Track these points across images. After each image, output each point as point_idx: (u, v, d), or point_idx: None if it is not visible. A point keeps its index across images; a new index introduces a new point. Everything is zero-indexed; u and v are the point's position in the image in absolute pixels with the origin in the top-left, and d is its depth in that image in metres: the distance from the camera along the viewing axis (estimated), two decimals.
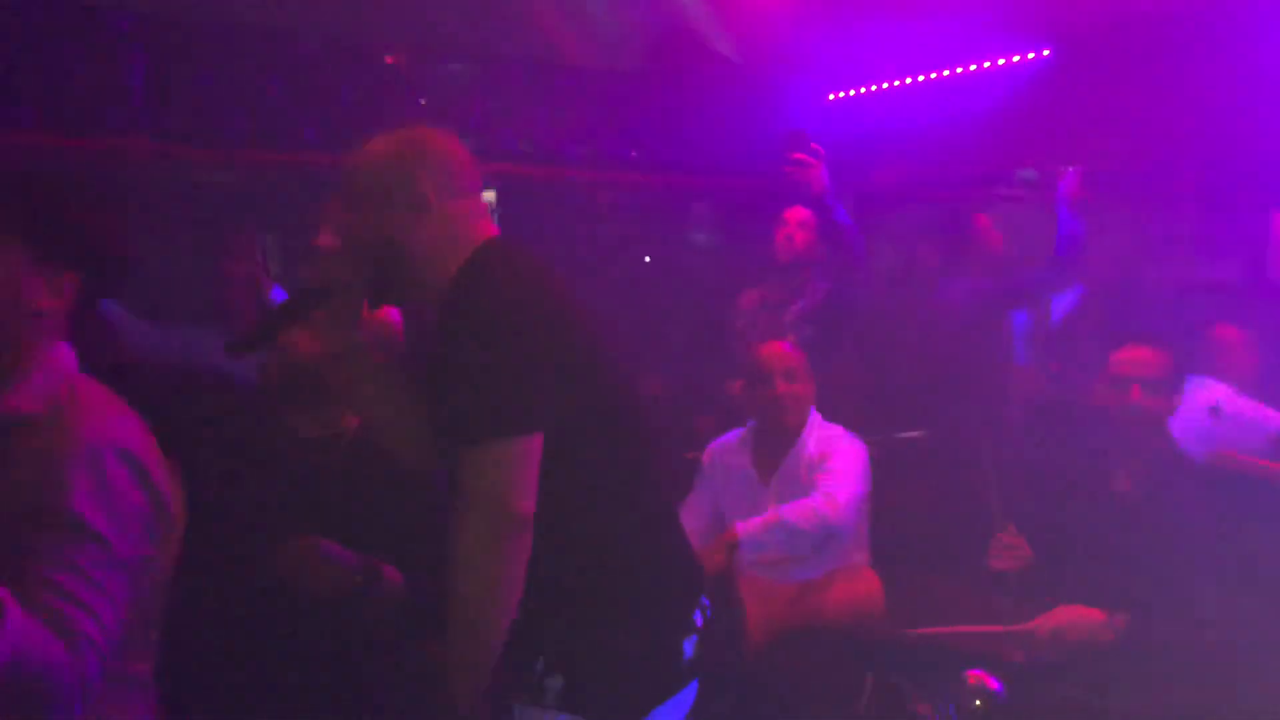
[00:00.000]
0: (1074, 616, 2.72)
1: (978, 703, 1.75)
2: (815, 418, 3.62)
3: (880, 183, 4.73)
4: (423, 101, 4.71)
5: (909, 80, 4.76)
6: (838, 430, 3.59)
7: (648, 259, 5.21)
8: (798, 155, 3.98)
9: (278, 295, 3.86)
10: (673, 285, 5.08)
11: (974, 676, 1.77)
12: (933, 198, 4.77)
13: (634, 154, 5.00)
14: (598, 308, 1.92)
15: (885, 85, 4.86)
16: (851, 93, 5.00)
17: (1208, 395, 3.91)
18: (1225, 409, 3.71)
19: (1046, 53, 4.27)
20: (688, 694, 1.85)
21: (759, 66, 4.79)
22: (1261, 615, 2.43)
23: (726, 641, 3.18)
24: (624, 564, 1.80)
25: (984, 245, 4.76)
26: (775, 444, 3.60)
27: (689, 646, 1.86)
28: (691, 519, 3.47)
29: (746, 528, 3.26)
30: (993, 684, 1.76)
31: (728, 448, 3.72)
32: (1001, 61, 4.39)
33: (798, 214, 4.26)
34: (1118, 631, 2.63)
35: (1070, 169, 4.52)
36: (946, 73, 4.60)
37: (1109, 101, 4.04)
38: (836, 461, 3.43)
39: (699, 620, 1.91)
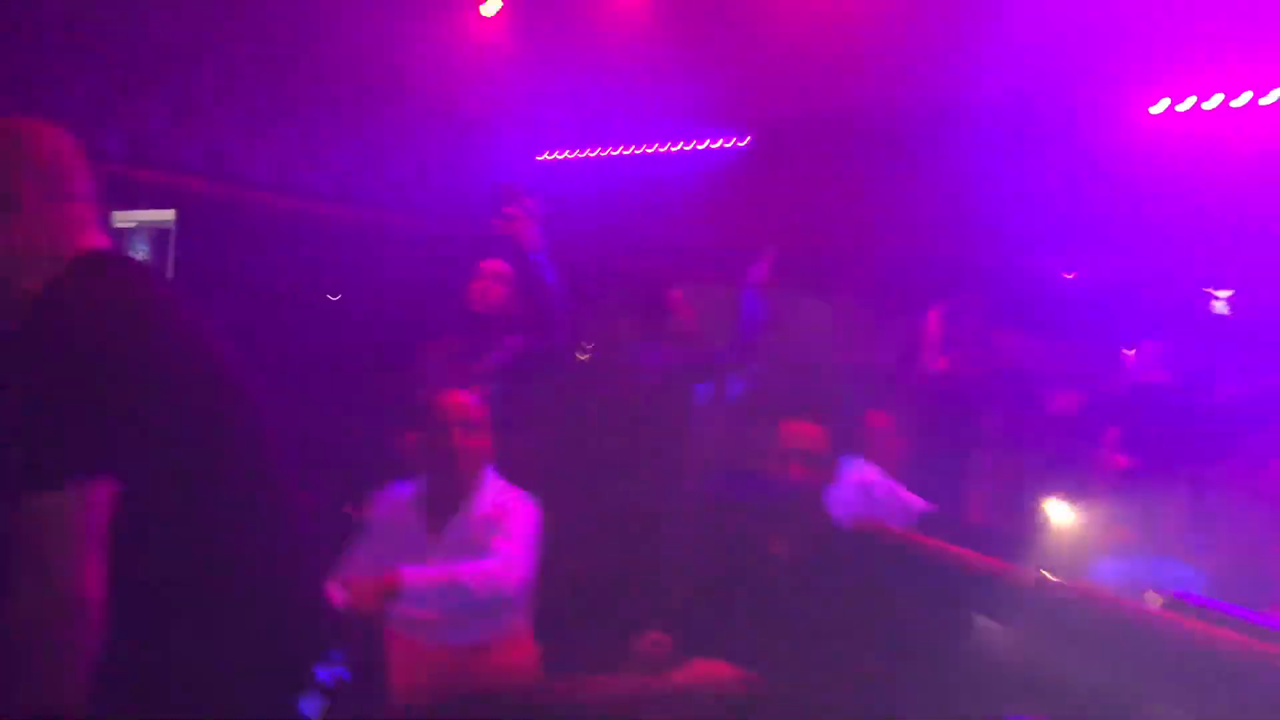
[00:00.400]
0: (705, 672, 2.76)
1: None
2: (491, 475, 3.49)
3: (583, 248, 4.78)
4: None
5: (618, 151, 4.87)
6: (514, 491, 3.47)
7: (332, 297, 4.94)
8: (509, 209, 3.91)
9: None
10: (358, 325, 4.83)
11: None
12: (633, 269, 4.87)
13: (327, 184, 4.74)
14: (256, 341, 1.73)
15: (594, 153, 4.95)
16: (561, 155, 5.05)
17: (860, 476, 4.19)
18: (875, 490, 3.98)
19: (746, 141, 4.52)
20: None
21: (472, 114, 4.73)
22: (905, 673, 2.54)
23: (366, 703, 2.93)
24: (223, 619, 1.59)
25: (678, 319, 4.91)
26: (448, 499, 3.42)
27: (309, 706, 1.66)
28: (354, 574, 3.22)
29: (415, 576, 3.05)
30: None
31: (396, 501, 3.50)
32: (705, 145, 4.60)
33: (495, 266, 4.18)
34: (751, 687, 2.67)
35: (761, 256, 4.78)
36: (653, 149, 4.76)
37: (799, 192, 4.33)
38: (514, 525, 3.30)
39: (326, 678, 1.72)
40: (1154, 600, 1.36)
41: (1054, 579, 1.45)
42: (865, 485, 4.02)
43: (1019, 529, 3.42)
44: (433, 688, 3.13)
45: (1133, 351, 5.05)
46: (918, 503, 4.24)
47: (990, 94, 3.85)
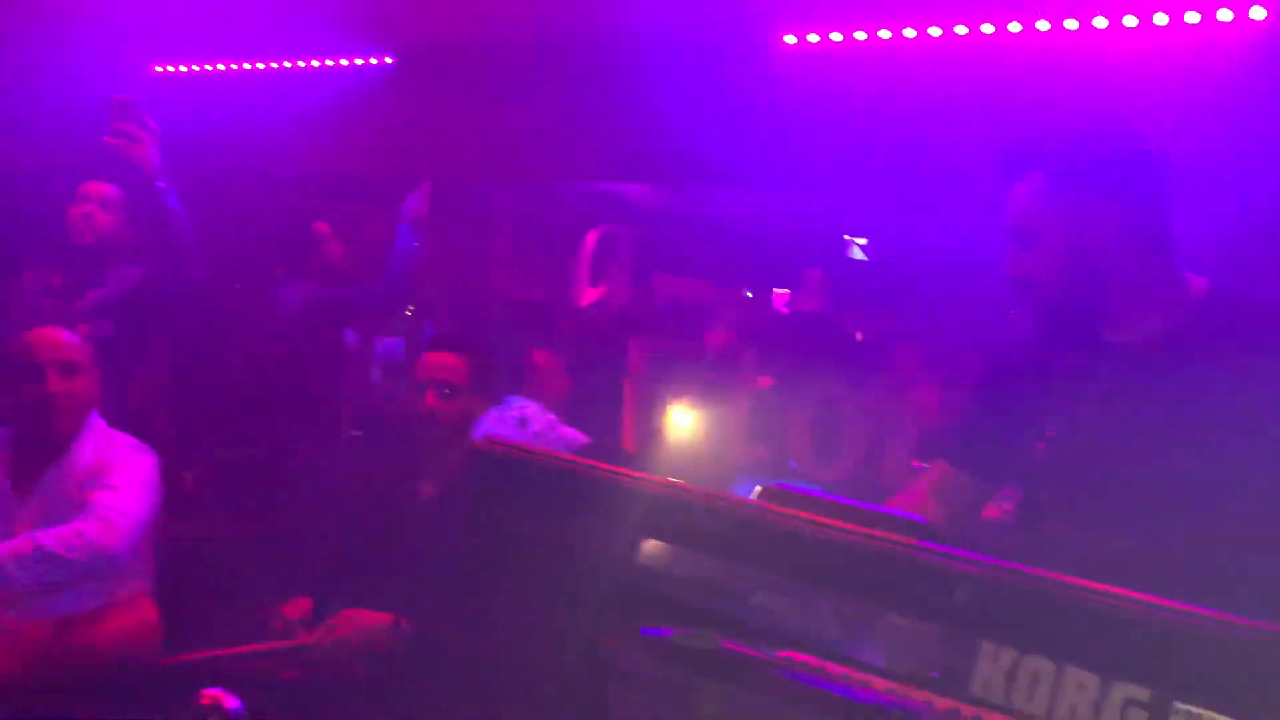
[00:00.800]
0: (357, 623, 2.61)
1: None
2: (97, 423, 3.07)
3: (211, 173, 4.31)
4: None
5: (244, 66, 4.41)
6: (123, 439, 3.07)
7: None
8: (125, 126, 3.45)
9: None
10: None
11: (208, 696, 1.50)
12: (270, 198, 4.46)
13: None
14: None
15: (219, 67, 4.44)
16: (181, 69, 4.50)
17: (518, 411, 4.13)
18: (532, 422, 3.93)
19: (389, 60, 4.23)
20: None
21: (77, 19, 4.10)
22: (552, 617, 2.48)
23: None
24: None
25: (323, 253, 4.58)
26: (39, 453, 2.98)
27: None
28: None
29: None
30: (229, 702, 1.50)
31: None
32: (344, 63, 4.26)
33: (101, 190, 3.67)
34: (403, 636, 2.55)
35: (415, 189, 4.56)
36: (285, 64, 4.34)
37: (451, 119, 4.12)
38: (118, 476, 2.92)
39: None
40: (756, 492, 1.35)
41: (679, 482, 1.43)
42: (522, 417, 3.96)
43: (662, 454, 3.49)
44: (30, 669, 2.72)
45: (785, 290, 5.37)
46: (578, 437, 4.26)
47: (649, 19, 3.83)
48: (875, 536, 1.17)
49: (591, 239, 4.05)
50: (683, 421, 3.61)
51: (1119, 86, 3.31)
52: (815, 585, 1.23)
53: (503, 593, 2.49)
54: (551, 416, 4.35)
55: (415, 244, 4.17)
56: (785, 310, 5.31)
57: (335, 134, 4.34)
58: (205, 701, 1.55)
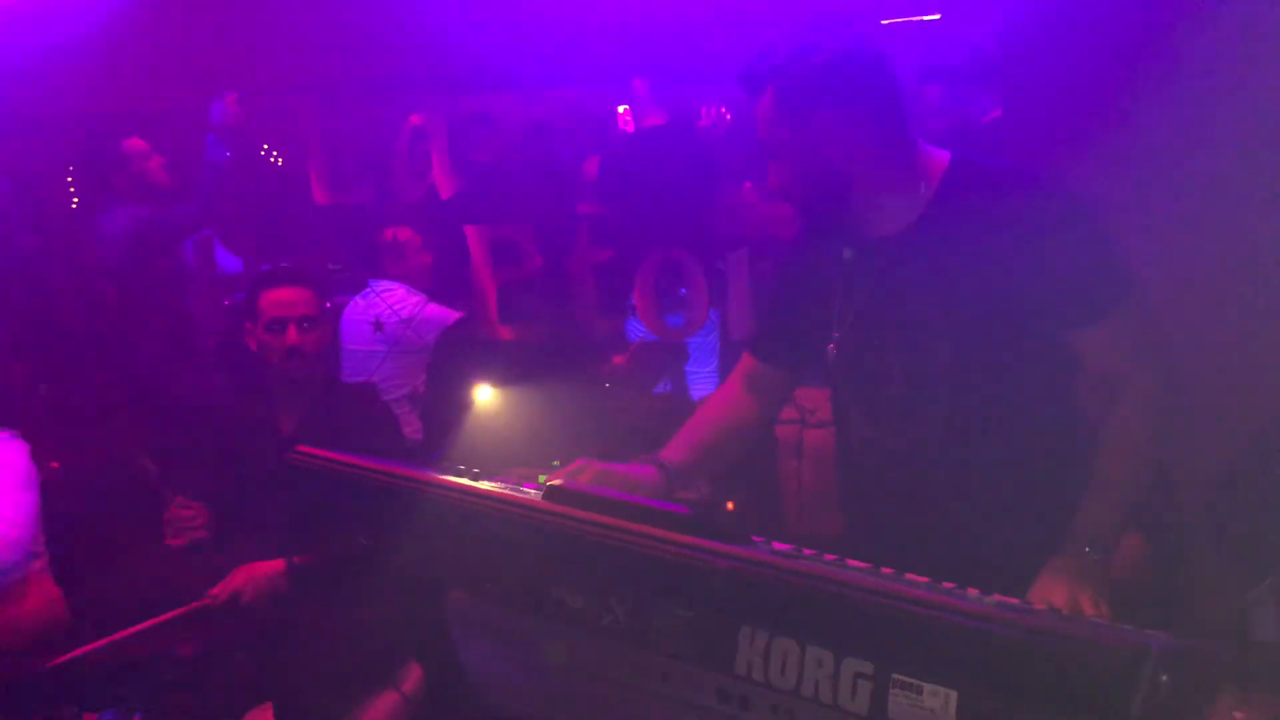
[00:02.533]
0: (252, 573, 2.68)
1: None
2: None
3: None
4: None
5: None
6: None
7: None
8: None
9: None
10: None
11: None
12: (74, 123, 4.18)
13: None
14: None
15: None
16: None
17: (378, 305, 4.12)
18: (386, 323, 3.93)
19: None
20: None
21: None
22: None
23: None
24: None
25: (139, 171, 4.35)
26: None
27: None
28: None
29: None
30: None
31: None
32: None
33: None
34: (295, 574, 2.63)
35: (226, 96, 4.28)
36: None
37: (260, 24, 3.85)
38: None
39: None
40: (541, 490, 1.43)
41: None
42: (375, 320, 3.96)
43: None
44: None
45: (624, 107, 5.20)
46: (448, 315, 4.27)
47: None
48: (641, 535, 1.27)
49: (405, 131, 3.90)
50: None
51: None
52: (602, 581, 1.33)
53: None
54: (420, 296, 4.34)
55: (225, 154, 3.99)
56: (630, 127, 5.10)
57: (137, 50, 4.02)
58: None
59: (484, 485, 1.52)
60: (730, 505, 3.08)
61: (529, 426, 3.18)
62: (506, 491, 1.47)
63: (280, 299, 2.95)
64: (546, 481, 1.46)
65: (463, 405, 3.44)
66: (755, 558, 1.22)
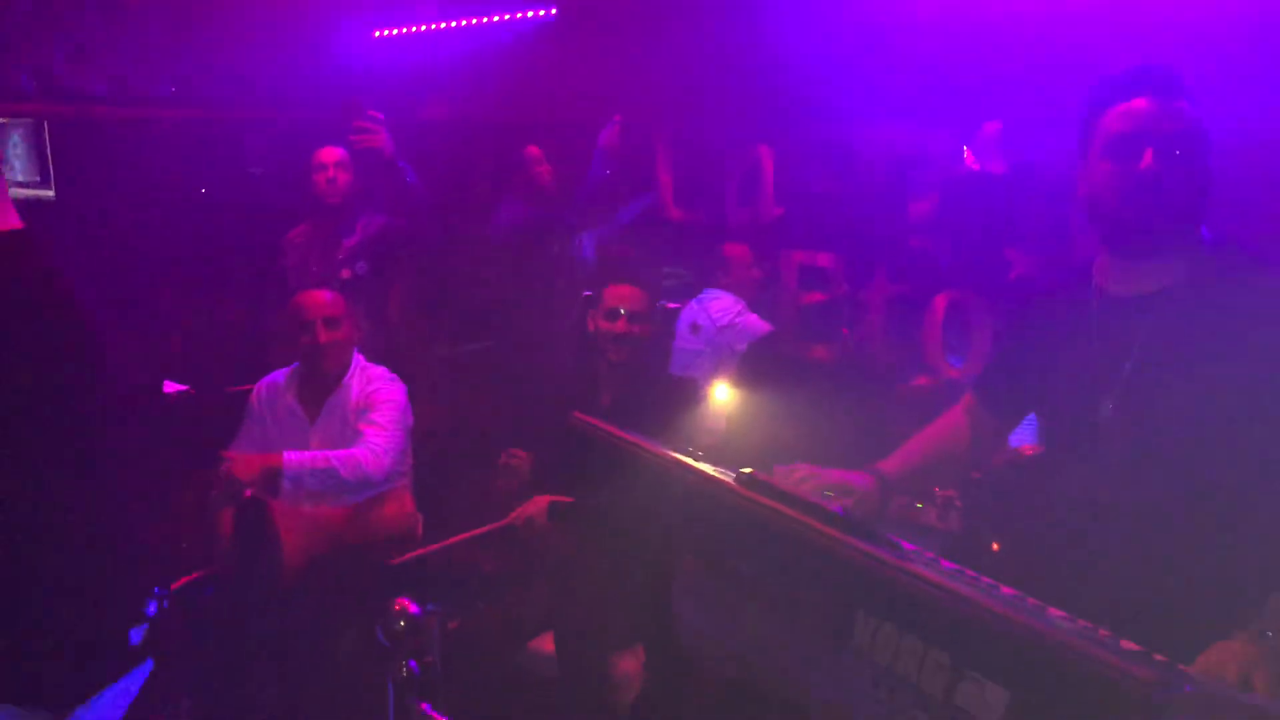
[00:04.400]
0: (540, 505, 3.24)
1: (401, 624, 2.10)
2: (358, 361, 3.86)
3: (426, 118, 4.94)
4: None
5: (442, 25, 4.98)
6: (379, 373, 3.84)
7: (203, 190, 5.14)
8: (360, 123, 4.09)
9: None
10: (229, 219, 5.06)
11: (399, 604, 2.11)
12: (477, 134, 5.05)
13: (172, 89, 4.85)
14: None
15: (423, 27, 5.04)
16: (394, 32, 5.14)
17: (703, 311, 4.61)
18: (704, 327, 4.39)
19: (554, 11, 4.67)
20: (137, 676, 2.06)
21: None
22: None
23: (266, 568, 3.41)
24: (51, 559, 1.95)
25: (532, 175, 5.16)
26: (319, 386, 3.81)
27: (136, 634, 2.05)
28: (239, 452, 3.65)
29: (293, 458, 3.49)
30: (413, 609, 2.11)
31: (275, 386, 3.90)
32: (517, 15, 4.72)
33: (332, 154, 4.36)
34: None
35: (612, 121, 4.99)
36: (473, 20, 4.88)
37: (647, 48, 4.47)
38: (381, 414, 3.69)
39: (152, 609, 2.11)
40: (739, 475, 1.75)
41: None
42: (694, 323, 4.44)
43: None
44: (321, 545, 3.60)
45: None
46: (761, 326, 4.68)
47: None
48: (799, 524, 1.56)
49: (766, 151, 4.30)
50: None
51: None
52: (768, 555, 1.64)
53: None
54: (741, 305, 4.80)
55: (607, 171, 4.66)
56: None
57: (515, 78, 4.82)
58: (396, 607, 2.16)
59: (703, 466, 1.88)
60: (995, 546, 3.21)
61: (808, 436, 3.48)
62: (713, 473, 1.82)
63: (621, 293, 3.52)
64: (750, 472, 1.79)
65: (755, 409, 3.83)
66: (876, 553, 1.48)
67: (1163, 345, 1.84)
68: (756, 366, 3.95)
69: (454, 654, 3.15)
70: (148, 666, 2.13)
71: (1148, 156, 1.81)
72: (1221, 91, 2.08)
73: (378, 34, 5.14)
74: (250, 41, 4.66)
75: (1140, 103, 1.85)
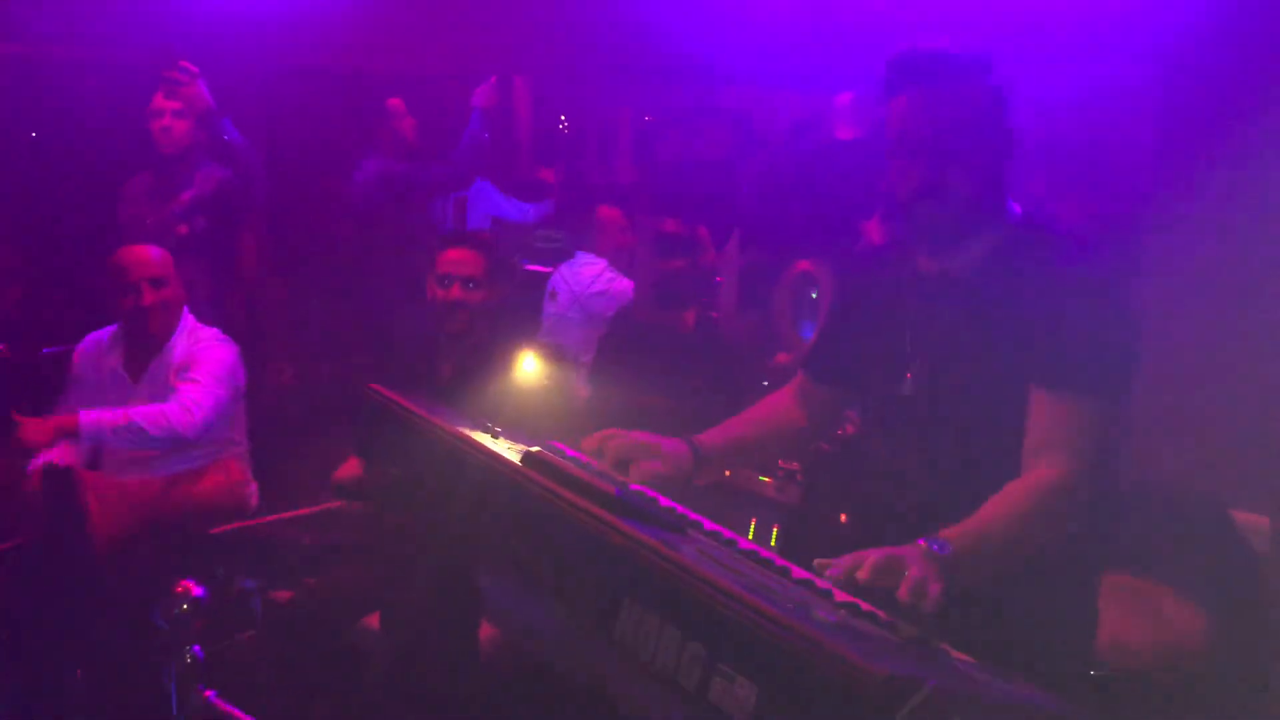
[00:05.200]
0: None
1: (184, 606, 1.99)
2: (187, 321, 3.64)
3: (280, 67, 4.69)
4: None
5: None
6: (210, 333, 3.64)
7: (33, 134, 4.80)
8: (170, 74, 3.85)
9: None
10: (63, 166, 4.74)
11: (181, 585, 2.00)
12: (336, 86, 4.83)
13: None
14: None
15: None
16: None
17: (575, 276, 4.50)
18: (562, 292, 4.29)
19: None
20: None
21: None
22: None
23: (71, 540, 3.21)
24: None
25: (396, 129, 4.96)
26: (145, 346, 3.60)
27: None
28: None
29: (90, 417, 3.28)
30: (196, 590, 2.00)
31: (100, 344, 3.68)
32: None
33: (169, 103, 4.10)
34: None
35: (487, 79, 4.80)
36: None
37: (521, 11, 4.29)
38: (201, 370, 3.48)
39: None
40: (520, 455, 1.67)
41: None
42: (552, 290, 4.33)
43: None
44: (137, 515, 3.38)
45: None
46: (629, 288, 4.59)
47: None
48: (573, 506, 1.49)
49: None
50: None
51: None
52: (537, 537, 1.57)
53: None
54: (614, 272, 4.70)
55: (485, 134, 4.49)
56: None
57: (406, 27, 4.59)
58: (178, 589, 2.05)
59: (495, 444, 1.79)
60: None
61: (660, 411, 3.42)
62: (502, 452, 1.73)
63: (456, 257, 3.34)
64: (546, 445, 1.70)
65: (617, 378, 3.75)
66: (641, 539, 1.42)
67: (960, 322, 1.86)
68: (621, 333, 3.86)
69: (282, 632, 3.03)
70: None
71: (921, 158, 1.80)
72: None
73: None
74: None
75: (903, 100, 1.83)
